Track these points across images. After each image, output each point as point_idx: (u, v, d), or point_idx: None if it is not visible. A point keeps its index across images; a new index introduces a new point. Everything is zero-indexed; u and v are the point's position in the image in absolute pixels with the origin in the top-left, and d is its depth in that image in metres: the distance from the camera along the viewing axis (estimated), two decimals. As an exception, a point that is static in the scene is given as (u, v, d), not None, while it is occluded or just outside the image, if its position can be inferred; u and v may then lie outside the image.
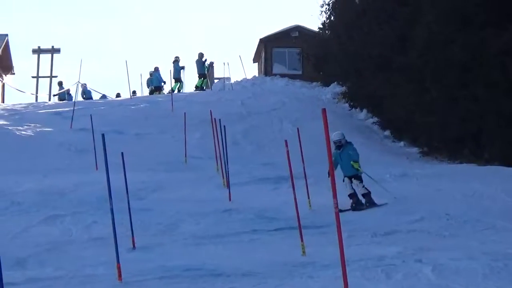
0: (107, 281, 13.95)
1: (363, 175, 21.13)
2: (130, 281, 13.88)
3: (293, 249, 16.09)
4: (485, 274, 12.85)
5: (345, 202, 13.03)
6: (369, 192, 20.07)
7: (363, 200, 20.28)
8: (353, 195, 20.22)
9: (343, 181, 20.71)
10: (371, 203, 20.00)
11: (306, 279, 13.14)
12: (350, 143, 21.78)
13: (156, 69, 52.03)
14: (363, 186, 20.15)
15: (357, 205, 19.98)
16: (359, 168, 20.67)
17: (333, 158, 17.95)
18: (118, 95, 53.26)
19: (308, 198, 20.74)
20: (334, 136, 21.16)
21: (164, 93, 49.62)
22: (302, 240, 16.07)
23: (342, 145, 21.32)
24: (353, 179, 20.71)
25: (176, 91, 48.77)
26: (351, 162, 20.88)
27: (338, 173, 19.96)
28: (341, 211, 15.35)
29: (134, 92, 53.62)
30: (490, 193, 22.27)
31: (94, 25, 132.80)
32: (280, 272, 14.13)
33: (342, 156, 21.14)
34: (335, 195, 10.52)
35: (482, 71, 28.10)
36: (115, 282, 13.90)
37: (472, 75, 28.68)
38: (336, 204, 10.78)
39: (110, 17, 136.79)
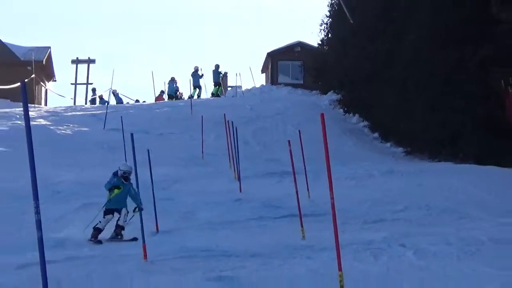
0: (134, 260, 13.97)
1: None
2: (154, 260, 13.89)
3: (294, 234, 16.09)
4: (459, 257, 12.85)
5: (340, 194, 13.01)
6: (124, 228, 17.49)
7: (122, 232, 17.44)
8: (99, 230, 17.18)
9: (106, 212, 17.46)
10: (118, 235, 17.31)
11: (305, 260, 13.15)
12: (130, 180, 18.01)
13: (172, 79, 51.75)
14: (125, 220, 17.55)
15: (95, 239, 17.08)
16: (141, 209, 16.66)
17: (114, 182, 17.57)
18: (137, 101, 53.17)
19: (308, 190, 20.72)
20: (128, 167, 17.98)
21: (184, 99, 49.50)
22: (302, 226, 16.09)
23: (128, 178, 17.81)
24: (122, 211, 17.47)
25: (195, 97, 48.76)
26: (138, 205, 16.78)
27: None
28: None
29: (137, 100, 53.66)
30: (465, 188, 22.24)
31: (124, 39, 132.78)
32: (283, 253, 14.13)
33: (125, 188, 17.60)
34: (331, 188, 10.53)
35: (460, 83, 28.05)
36: (141, 261, 13.92)
37: (451, 87, 28.64)
38: (332, 195, 10.79)
39: (138, 32, 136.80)
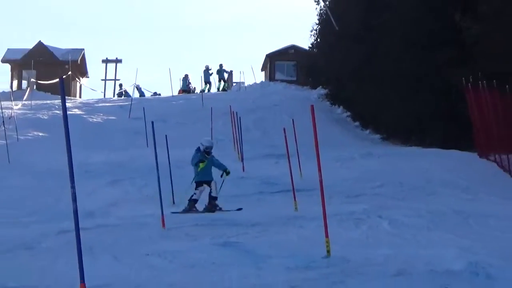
0: (154, 228, 13.97)
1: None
2: (171, 227, 13.89)
3: (288, 206, 16.10)
4: (428, 227, 12.86)
5: (327, 173, 13.01)
6: (217, 198, 16.97)
7: (216, 203, 16.99)
8: (194, 201, 16.98)
9: (197, 185, 17.17)
10: (212, 207, 16.87)
11: (298, 228, 13.14)
12: (213, 155, 17.76)
13: (186, 76, 51.87)
14: (216, 191, 17.03)
15: (192, 210, 16.88)
16: (228, 172, 17.50)
17: (200, 157, 17.15)
18: (155, 93, 53.05)
19: (300, 169, 20.72)
20: (209, 142, 17.80)
21: (197, 92, 49.46)
22: (295, 200, 16.10)
23: (210, 152, 17.44)
24: (212, 184, 17.08)
25: (206, 91, 48.85)
26: (225, 170, 17.33)
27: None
28: (175, 212, 16.29)
29: (155, 93, 53.59)
30: (432, 168, 22.25)
31: (146, 41, 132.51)
32: (278, 222, 14.12)
33: (208, 162, 17.26)
34: (319, 168, 10.52)
35: (428, 81, 28.03)
36: (160, 228, 13.91)
37: (420, 84, 28.63)
38: (320, 174, 10.78)
39: (158, 36, 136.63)
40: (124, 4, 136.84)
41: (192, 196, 16.97)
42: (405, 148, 28.88)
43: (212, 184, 17.06)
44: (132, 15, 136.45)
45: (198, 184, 17.11)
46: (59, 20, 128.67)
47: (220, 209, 16.66)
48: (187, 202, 16.94)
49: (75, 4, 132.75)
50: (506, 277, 8.33)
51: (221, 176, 17.31)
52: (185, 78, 51.62)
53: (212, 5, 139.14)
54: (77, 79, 56.14)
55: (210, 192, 17.00)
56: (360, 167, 22.94)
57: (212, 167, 17.39)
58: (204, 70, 51.14)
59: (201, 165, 17.06)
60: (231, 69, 54.44)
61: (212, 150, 17.54)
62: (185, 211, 16.69)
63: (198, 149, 17.34)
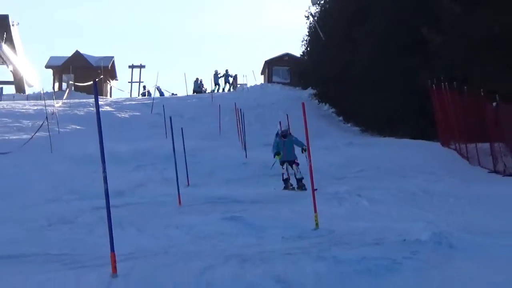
0: (172, 205, 13.98)
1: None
2: (186, 205, 13.90)
3: (283, 186, 16.10)
4: (400, 203, 12.87)
5: (316, 159, 12.86)
6: (302, 178, 16.14)
7: (297, 184, 16.30)
8: (287, 180, 16.38)
9: (282, 166, 16.61)
10: (301, 187, 16.16)
11: (291, 205, 13.14)
12: (291, 134, 17.04)
13: (197, 79, 51.95)
14: (300, 172, 16.30)
15: (289, 189, 16.28)
16: (305, 148, 16.98)
17: (276, 142, 16.77)
18: (173, 94, 53.04)
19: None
20: (285, 126, 17.19)
21: (208, 92, 49.45)
22: (289, 181, 16.08)
23: (287, 134, 16.79)
24: (293, 165, 16.50)
25: (215, 91, 48.88)
26: (302, 147, 16.12)
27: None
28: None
29: (173, 93, 53.54)
30: (403, 155, 22.22)
31: (165, 50, 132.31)
32: (275, 200, 14.15)
33: (286, 144, 16.60)
34: (309, 155, 10.52)
35: (400, 83, 27.99)
36: (177, 205, 13.93)
37: (394, 85, 28.57)
38: (310, 162, 10.76)
39: (176, 44, 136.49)
40: (147, 19, 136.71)
41: (283, 177, 16.46)
42: (381, 139, 28.85)
43: (294, 167, 16.42)
44: (154, 28, 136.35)
45: (281, 163, 16.54)
46: (93, 32, 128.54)
47: (305, 189, 15.74)
48: (282, 183, 16.47)
49: (106, 18, 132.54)
50: (464, 246, 8.33)
51: (302, 151, 16.12)
52: (196, 81, 51.78)
53: (220, 19, 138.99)
54: (107, 81, 56.09)
55: (295, 175, 16.34)
56: (343, 154, 22.93)
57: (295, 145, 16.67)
58: (214, 74, 51.49)
59: (277, 157, 16.60)
60: (236, 73, 54.40)
61: (289, 132, 17.00)
62: (284, 189, 16.27)
63: (277, 133, 16.94)
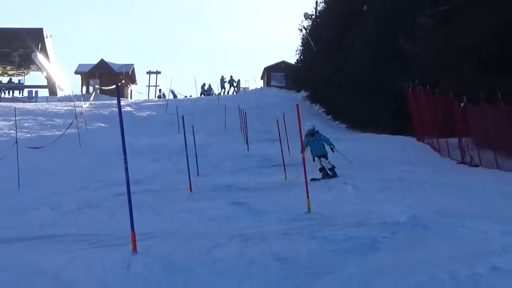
0: (184, 192, 13.97)
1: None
2: (196, 191, 13.90)
3: (280, 176, 16.10)
4: (380, 190, 12.82)
5: (308, 154, 12.92)
6: (334, 167, 16.18)
7: (330, 172, 16.08)
8: (322, 169, 16.10)
9: (314, 160, 16.19)
10: (334, 174, 16.01)
11: (287, 192, 13.13)
12: (318, 131, 16.88)
13: (203, 84, 52.06)
14: (329, 162, 16.16)
15: (326, 176, 15.94)
16: (333, 147, 16.43)
17: (305, 142, 15.54)
18: (185, 96, 53.09)
19: (288, 150, 20.59)
20: (309, 126, 16.67)
21: (214, 95, 49.48)
22: (285, 171, 16.10)
23: (314, 133, 16.46)
24: (321, 158, 16.20)
25: (221, 94, 48.86)
26: (330, 146, 16.32)
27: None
28: (314, 179, 15.08)
29: (185, 96, 53.58)
30: (383, 148, 22.22)
31: (178, 58, 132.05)
32: (273, 188, 14.13)
33: (315, 141, 16.29)
34: (303, 149, 10.50)
35: (380, 87, 27.98)
36: (188, 192, 13.93)
37: (375, 89, 28.58)
38: (303, 154, 10.74)
39: (187, 52, 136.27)
40: (163, 31, 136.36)
41: (318, 168, 16.00)
42: (364, 134, 28.84)
43: (322, 160, 16.05)
44: (169, 39, 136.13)
45: (313, 158, 16.05)
46: (115, 43, 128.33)
47: (336, 176, 15.71)
48: (319, 172, 16.02)
49: (127, 31, 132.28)
50: (436, 227, 8.34)
51: (331, 150, 16.24)
52: (203, 86, 51.96)
53: (226, 31, 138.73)
54: (128, 85, 56.08)
55: (326, 166, 16.02)
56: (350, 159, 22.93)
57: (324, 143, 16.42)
58: (220, 79, 51.67)
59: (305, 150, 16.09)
60: (239, 78, 54.50)
61: (316, 131, 16.55)
62: (322, 178, 15.72)
63: (306, 134, 16.25)
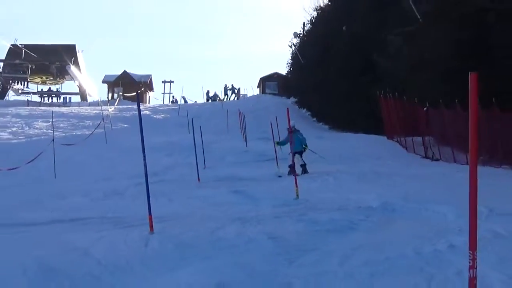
0: (193, 182, 13.94)
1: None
2: (203, 181, 13.88)
3: (273, 168, 16.04)
4: (356, 180, 12.82)
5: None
6: (305, 164, 14.97)
7: (300, 169, 14.67)
8: (292, 166, 13.97)
9: (289, 154, 14.38)
10: (305, 170, 14.80)
11: (279, 181, 13.12)
12: (299, 130, 15.88)
13: (208, 91, 52.35)
14: (302, 160, 15.02)
15: (291, 173, 13.68)
16: (306, 147, 15.42)
17: (287, 138, 15.08)
18: (195, 102, 53.17)
19: (280, 148, 20.67)
20: (292, 123, 14.50)
21: (219, 100, 49.49)
22: (277, 165, 16.04)
23: (294, 130, 15.02)
24: (297, 154, 14.67)
25: (224, 100, 48.86)
26: (304, 145, 15.33)
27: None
28: (280, 176, 14.51)
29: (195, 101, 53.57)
30: (358, 145, 22.27)
31: (189, 69, 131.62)
32: (267, 178, 14.12)
33: (294, 137, 14.55)
34: (291, 147, 10.46)
35: (357, 94, 27.97)
36: (196, 182, 13.90)
37: (353, 95, 28.57)
38: (292, 150, 10.72)
39: (196, 65, 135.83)
40: (175, 47, 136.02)
41: (289, 165, 14.61)
42: (343, 134, 28.82)
43: (297, 156, 14.54)
44: (181, 53, 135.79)
45: (293, 154, 13.91)
46: (136, 56, 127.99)
47: (307, 174, 14.45)
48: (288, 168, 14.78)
49: (146, 47, 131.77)
50: (403, 210, 8.34)
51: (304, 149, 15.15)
52: (208, 93, 52.21)
53: (228, 47, 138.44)
54: (147, 92, 56.03)
55: (300, 162, 14.83)
56: (315, 144, 22.71)
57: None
58: (224, 88, 51.95)
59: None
60: (239, 87, 54.47)
61: (296, 128, 15.49)
62: (289, 174, 14.25)
63: (288, 129, 14.66)
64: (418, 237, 6.55)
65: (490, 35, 17.47)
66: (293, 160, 13.59)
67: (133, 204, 10.44)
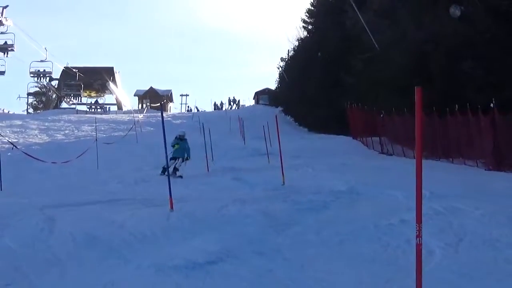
0: (203, 172, 13.84)
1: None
2: (211, 172, 13.78)
3: (265, 161, 15.98)
4: (329, 171, 12.73)
5: (282, 146, 12.72)
6: (178, 169, 12.81)
7: (177, 172, 12.71)
8: (175, 169, 12.72)
9: (170, 159, 12.12)
10: (176, 173, 12.54)
11: (270, 171, 12.90)
12: (186, 139, 13.84)
13: (215, 102, 52.61)
14: (180, 164, 12.87)
15: (173, 174, 12.19)
16: (188, 158, 13.48)
17: (174, 141, 13.32)
18: (204, 110, 52.83)
19: (270, 145, 20.45)
20: (181, 132, 13.92)
21: (224, 110, 49.33)
22: (268, 158, 15.99)
23: (183, 139, 13.62)
24: (178, 159, 13.16)
25: (228, 109, 48.75)
26: (187, 155, 13.36)
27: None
28: (162, 174, 12.18)
29: (204, 110, 53.05)
30: (331, 144, 22.24)
31: (200, 85, 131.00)
32: (261, 168, 14.01)
33: (180, 144, 13.33)
34: (279, 143, 10.44)
35: (329, 102, 27.81)
36: (206, 171, 13.82)
37: (325, 103, 28.41)
38: (280, 146, 10.68)
39: (206, 81, 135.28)
40: (190, 68, 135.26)
41: (164, 166, 11.62)
42: (319, 135, 28.72)
43: (179, 160, 13.15)
44: (194, 74, 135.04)
45: (172, 158, 12.90)
46: (161, 76, 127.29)
47: (180, 176, 12.46)
48: (161, 168, 12.69)
49: (169, 68, 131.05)
50: (366, 193, 8.33)
51: (183, 160, 13.29)
52: (215, 103, 52.38)
53: (231, 67, 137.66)
54: (168, 103, 55.81)
55: (176, 164, 12.96)
56: (298, 144, 22.79)
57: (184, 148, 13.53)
58: (228, 99, 52.18)
59: (175, 146, 13.17)
60: (239, 99, 54.54)
61: (185, 137, 13.92)
62: (161, 174, 12.46)
63: (177, 137, 13.64)
64: (377, 214, 6.55)
65: (430, 59, 17.58)
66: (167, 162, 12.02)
67: (157, 188, 10.38)
